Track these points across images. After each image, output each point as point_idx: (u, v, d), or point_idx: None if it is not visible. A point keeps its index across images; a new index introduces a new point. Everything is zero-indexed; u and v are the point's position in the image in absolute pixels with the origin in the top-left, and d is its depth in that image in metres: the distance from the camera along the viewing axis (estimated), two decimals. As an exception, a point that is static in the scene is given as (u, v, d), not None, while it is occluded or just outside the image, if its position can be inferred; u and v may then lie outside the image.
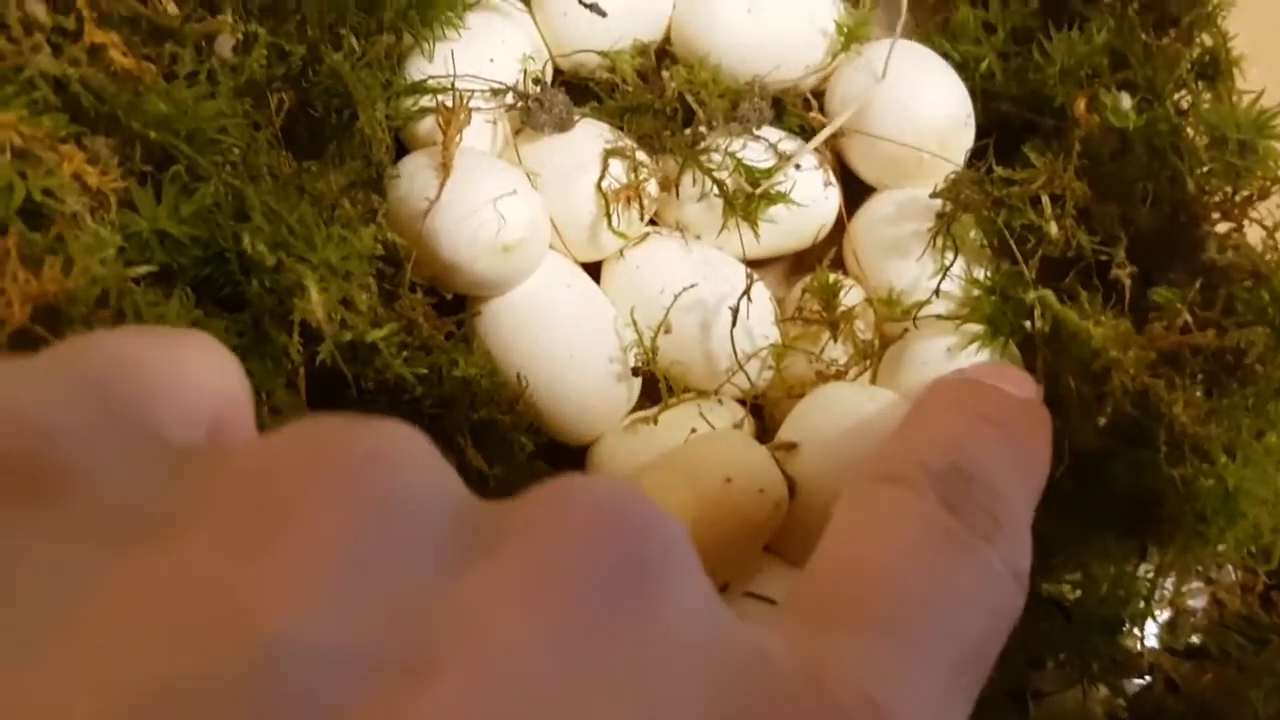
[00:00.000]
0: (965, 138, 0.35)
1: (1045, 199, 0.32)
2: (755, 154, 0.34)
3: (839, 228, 0.36)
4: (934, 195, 0.33)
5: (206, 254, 0.28)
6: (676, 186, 0.34)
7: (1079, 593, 0.32)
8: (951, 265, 0.33)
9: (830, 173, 0.35)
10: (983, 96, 0.36)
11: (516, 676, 0.12)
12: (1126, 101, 0.32)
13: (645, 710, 0.13)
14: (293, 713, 0.11)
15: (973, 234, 0.34)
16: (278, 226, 0.29)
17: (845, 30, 0.35)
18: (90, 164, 0.27)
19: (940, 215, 0.33)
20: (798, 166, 0.34)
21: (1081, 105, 0.32)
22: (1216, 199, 0.33)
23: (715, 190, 0.33)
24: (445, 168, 0.31)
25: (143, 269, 0.27)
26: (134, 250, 0.28)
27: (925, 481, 0.19)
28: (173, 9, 0.29)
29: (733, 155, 0.33)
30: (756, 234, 0.34)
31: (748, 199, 0.33)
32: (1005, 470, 0.20)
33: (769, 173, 0.33)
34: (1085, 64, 0.33)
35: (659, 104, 0.35)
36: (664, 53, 0.37)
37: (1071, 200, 0.32)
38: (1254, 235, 0.33)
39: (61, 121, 0.26)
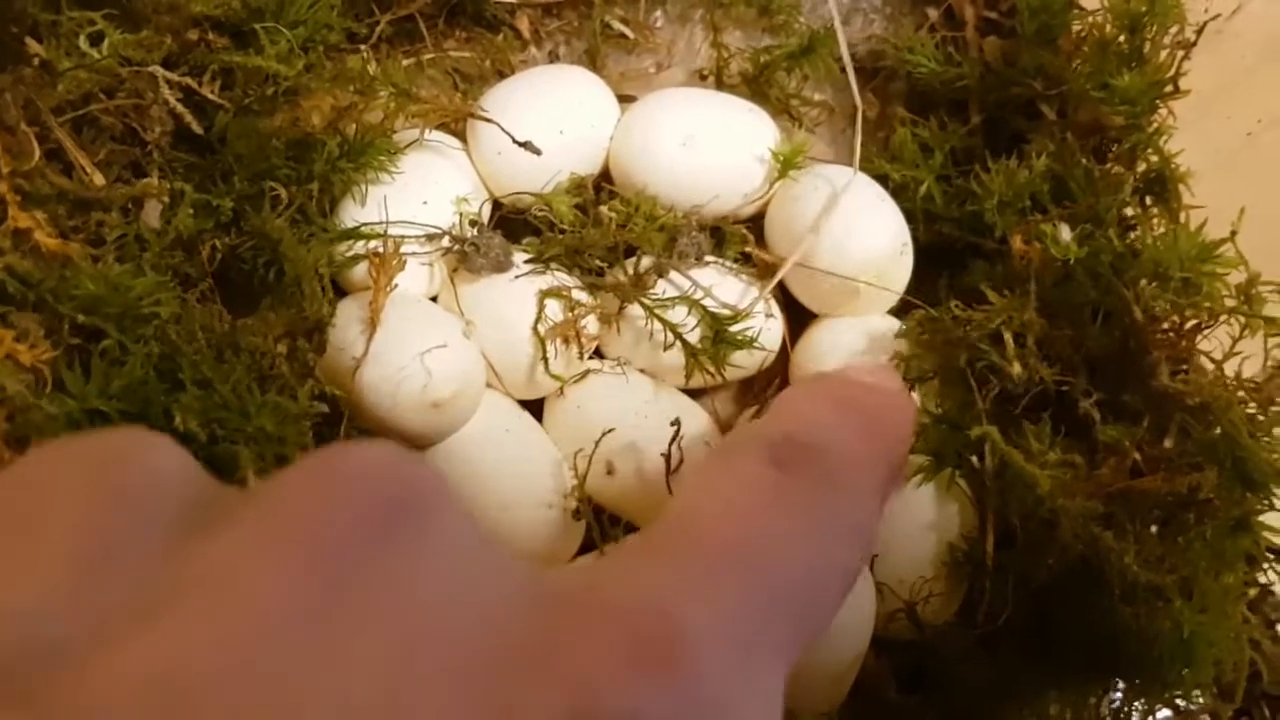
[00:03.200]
0: (903, 267, 0.34)
1: (1008, 337, 0.31)
2: (702, 280, 0.34)
3: (783, 352, 0.35)
4: (899, 336, 0.33)
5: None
6: (617, 322, 0.34)
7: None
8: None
9: (773, 303, 0.34)
10: (924, 218, 0.35)
11: (249, 611, 0.12)
12: (1066, 233, 0.31)
13: (404, 638, 0.13)
14: (7, 671, 0.12)
15: (925, 366, 0.33)
16: (209, 397, 0.28)
17: (781, 158, 0.35)
18: (19, 341, 0.27)
19: (880, 346, 0.33)
20: (748, 314, 0.33)
21: (1019, 240, 0.31)
22: (1165, 326, 0.32)
23: (666, 333, 0.33)
24: (373, 322, 0.31)
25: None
26: (68, 430, 0.27)
27: (759, 445, 0.19)
28: (99, 179, 0.29)
29: (690, 300, 0.33)
30: (723, 377, 0.34)
31: (713, 345, 0.32)
32: (848, 439, 0.20)
33: (732, 319, 0.33)
34: (1024, 193, 0.33)
35: (598, 239, 0.34)
36: (601, 185, 0.36)
37: (1031, 335, 0.32)
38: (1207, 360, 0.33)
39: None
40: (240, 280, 0.33)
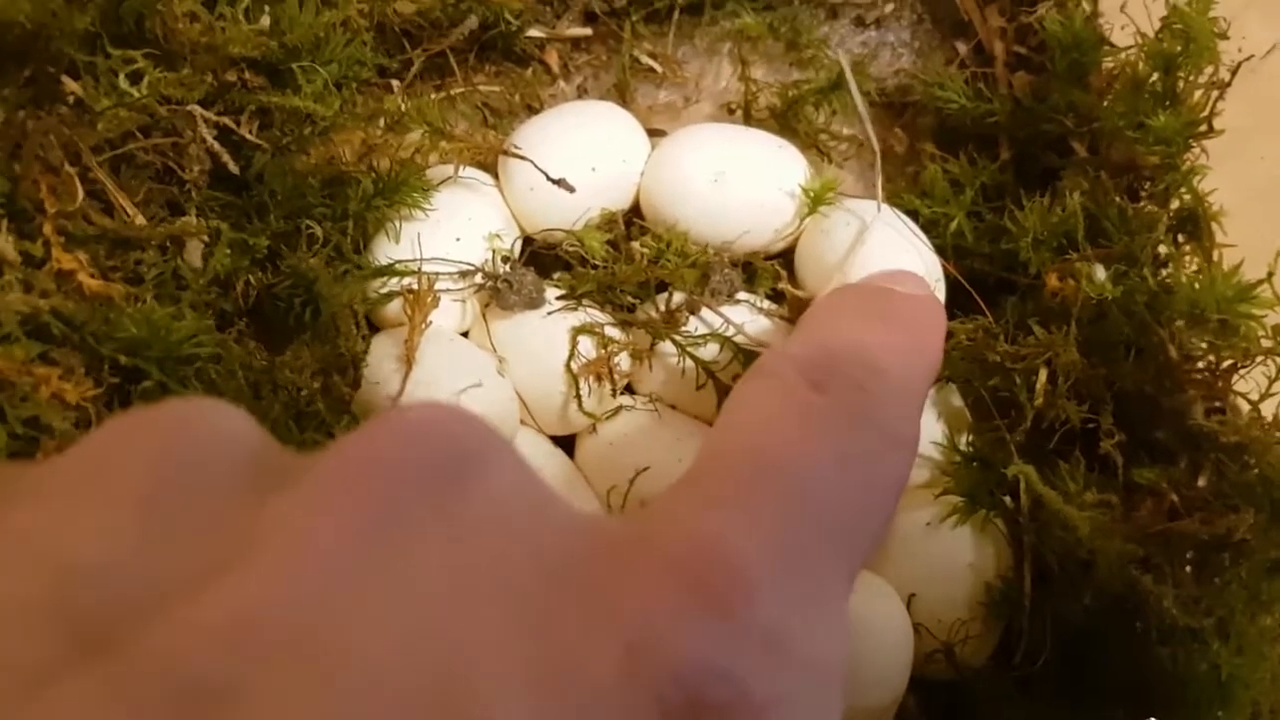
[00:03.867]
0: (939, 303, 0.34)
1: (1043, 373, 0.31)
2: (734, 316, 0.34)
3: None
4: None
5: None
6: (649, 359, 0.34)
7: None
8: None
9: (804, 340, 0.35)
10: (954, 253, 0.35)
11: (318, 561, 0.13)
12: (1101, 273, 0.31)
13: (462, 580, 0.14)
14: (90, 622, 0.13)
15: (955, 398, 0.33)
16: None
17: (812, 194, 0.35)
18: (64, 379, 0.27)
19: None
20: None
21: (1054, 277, 0.31)
22: (1200, 365, 0.32)
23: (698, 370, 0.33)
24: (408, 360, 0.31)
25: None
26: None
27: (790, 368, 0.19)
28: (140, 219, 0.29)
29: (723, 337, 0.33)
30: None
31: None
32: (879, 350, 0.20)
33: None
34: (1059, 231, 0.33)
35: (629, 275, 0.34)
36: (632, 220, 0.36)
37: (1066, 375, 0.32)
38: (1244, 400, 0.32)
39: (33, 348, 0.26)
40: (274, 316, 0.33)
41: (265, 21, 0.31)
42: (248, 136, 0.30)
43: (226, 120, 0.30)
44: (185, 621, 0.12)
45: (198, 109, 0.30)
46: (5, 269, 0.26)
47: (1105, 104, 0.34)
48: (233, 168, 0.31)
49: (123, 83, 0.29)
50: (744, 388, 0.20)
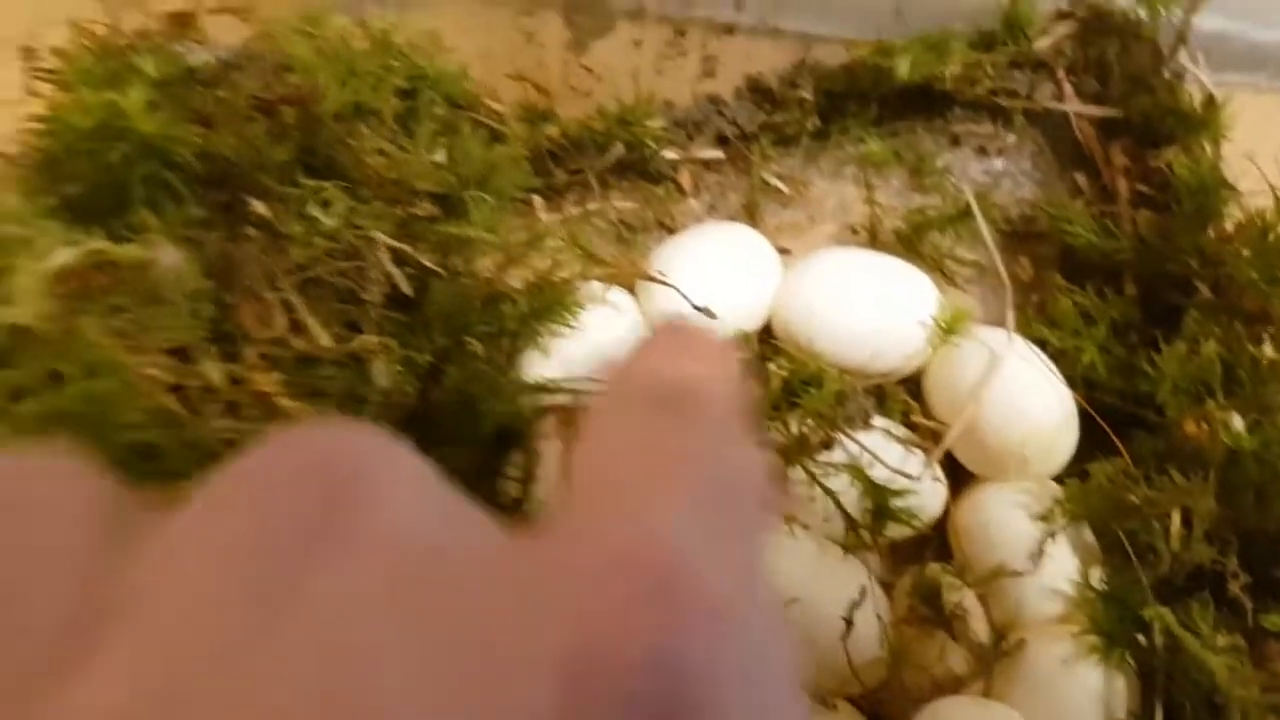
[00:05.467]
0: (1069, 438, 0.35)
1: (1176, 516, 0.32)
2: (867, 443, 0.35)
3: (944, 515, 0.36)
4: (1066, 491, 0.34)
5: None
6: (783, 484, 0.35)
7: None
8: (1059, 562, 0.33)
9: (937, 468, 0.36)
10: (1084, 384, 0.36)
11: (186, 642, 0.12)
12: (1238, 422, 0.32)
13: (356, 623, 0.12)
14: None
15: (1088, 536, 0.34)
16: None
17: (944, 324, 0.36)
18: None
19: (1047, 515, 0.34)
20: (913, 477, 0.34)
21: (1191, 424, 0.32)
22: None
23: (829, 503, 0.34)
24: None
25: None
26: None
27: (639, 398, 0.19)
28: (326, 340, 0.31)
29: (856, 469, 0.34)
30: (878, 552, 0.35)
31: (873, 518, 0.33)
32: (705, 382, 0.20)
33: (895, 494, 0.34)
34: (1195, 378, 0.33)
35: (764, 396, 0.36)
36: (764, 339, 0.38)
37: (1205, 520, 0.32)
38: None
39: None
40: (426, 429, 0.34)
41: (440, 154, 0.33)
42: (425, 263, 0.32)
43: (405, 247, 0.32)
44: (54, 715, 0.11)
45: (381, 235, 0.31)
46: (211, 399, 0.27)
47: (1231, 248, 0.36)
48: (407, 289, 0.32)
49: (314, 210, 0.31)
50: (599, 420, 0.20)
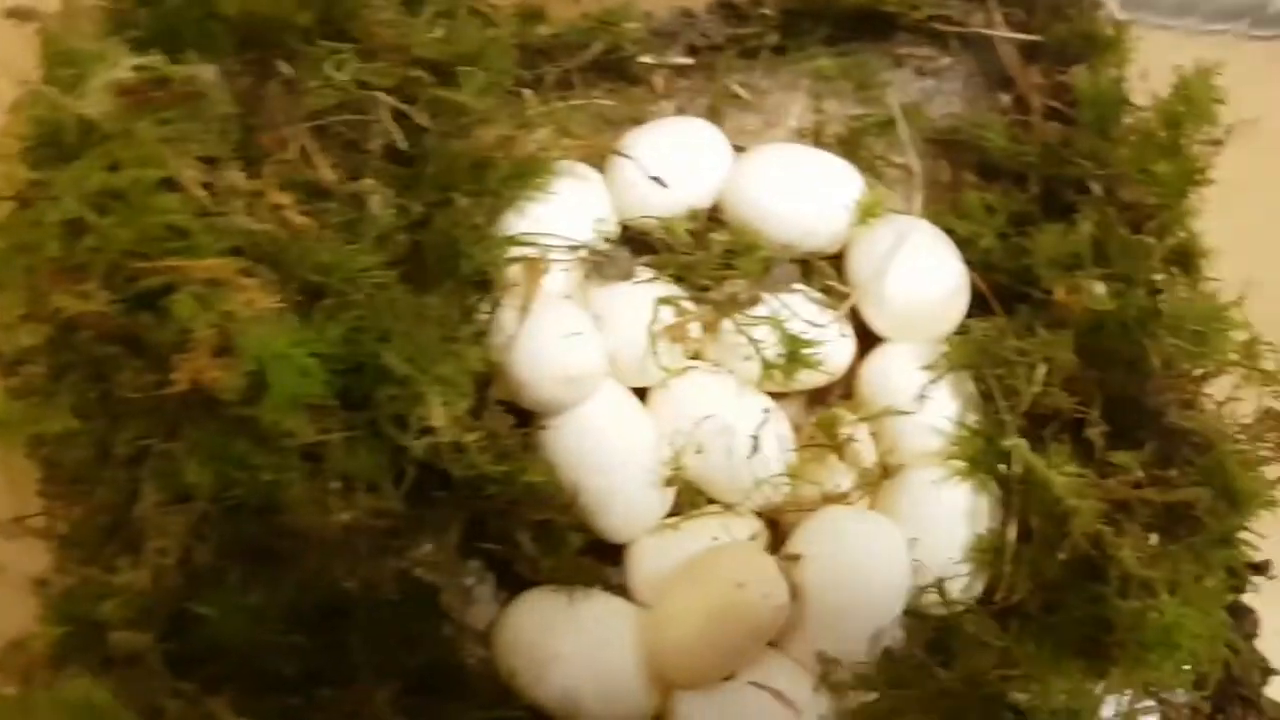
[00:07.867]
0: (959, 305, 0.41)
1: (1040, 368, 0.38)
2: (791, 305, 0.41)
3: (853, 368, 0.42)
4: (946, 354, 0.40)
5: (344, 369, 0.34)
6: (715, 331, 0.41)
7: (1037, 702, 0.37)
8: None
9: (847, 324, 0.41)
10: (981, 267, 0.42)
11: None
12: (1101, 289, 0.38)
13: None
14: None
15: (967, 384, 0.40)
16: (406, 344, 0.35)
17: (863, 208, 0.42)
18: (258, 290, 0.35)
19: (933, 366, 0.40)
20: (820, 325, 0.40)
21: (1062, 291, 0.38)
22: (1178, 373, 0.38)
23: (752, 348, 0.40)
24: (525, 310, 0.39)
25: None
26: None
27: None
28: (329, 174, 0.37)
29: (775, 321, 0.40)
30: (790, 387, 0.41)
31: (787, 361, 0.39)
32: None
33: (806, 344, 0.39)
34: (1069, 254, 0.39)
35: (706, 260, 0.42)
36: (712, 216, 0.44)
37: (1061, 371, 0.38)
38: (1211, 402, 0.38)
39: (243, 262, 0.34)
40: (418, 275, 0.40)
41: (439, 32, 0.39)
42: (420, 122, 0.38)
43: (404, 106, 0.38)
44: None
45: (383, 95, 0.38)
46: (234, 197, 0.34)
47: (1120, 152, 0.41)
48: (403, 145, 0.39)
49: (329, 68, 0.37)
50: None
